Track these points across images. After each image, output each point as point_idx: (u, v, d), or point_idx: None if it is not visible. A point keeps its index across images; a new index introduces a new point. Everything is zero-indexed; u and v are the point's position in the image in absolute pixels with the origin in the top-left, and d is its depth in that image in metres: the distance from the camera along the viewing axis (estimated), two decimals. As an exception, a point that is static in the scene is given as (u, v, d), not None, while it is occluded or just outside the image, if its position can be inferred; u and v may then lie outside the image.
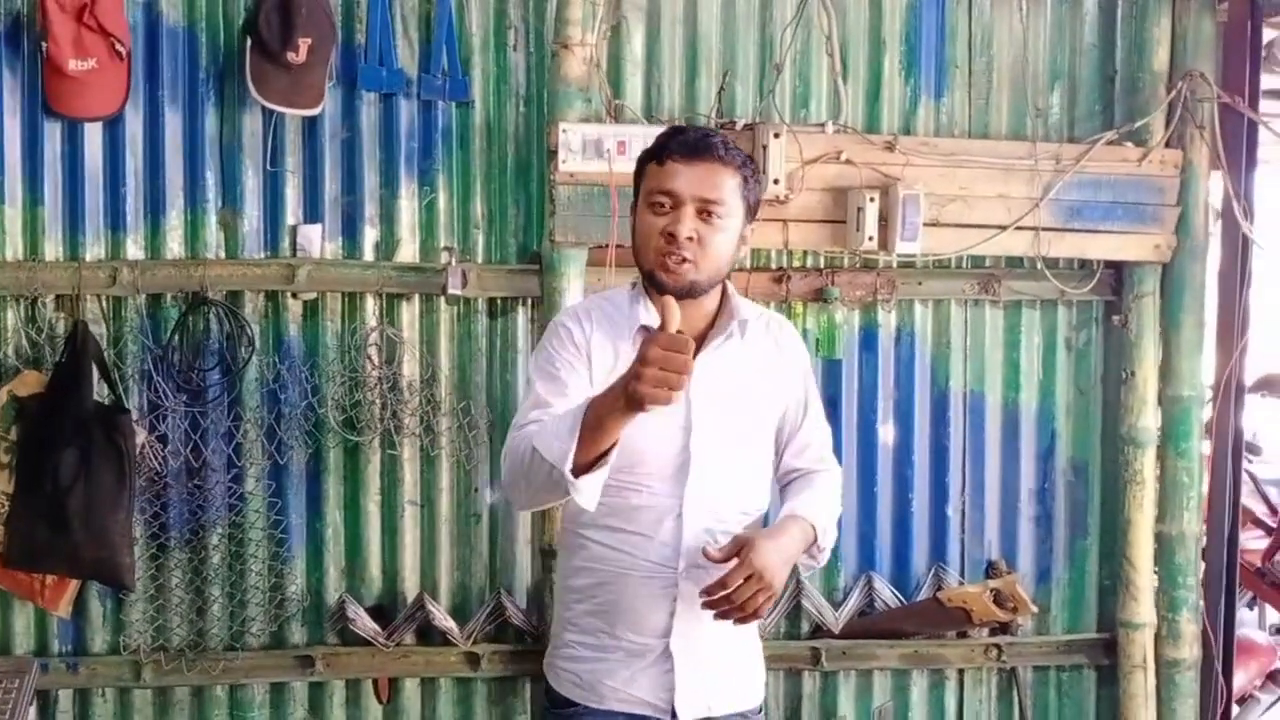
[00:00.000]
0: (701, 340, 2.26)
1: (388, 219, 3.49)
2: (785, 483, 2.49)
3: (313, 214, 3.46)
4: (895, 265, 3.66)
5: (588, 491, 1.97)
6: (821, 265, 3.66)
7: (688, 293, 2.19)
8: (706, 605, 2.10)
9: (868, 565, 3.73)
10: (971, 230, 3.56)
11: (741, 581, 2.06)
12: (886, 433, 3.74)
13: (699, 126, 2.33)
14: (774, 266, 3.59)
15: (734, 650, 2.34)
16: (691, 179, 2.17)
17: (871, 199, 3.41)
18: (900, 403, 3.75)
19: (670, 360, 1.81)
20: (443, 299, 3.50)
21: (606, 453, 1.96)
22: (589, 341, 2.26)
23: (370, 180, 3.47)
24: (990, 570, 3.81)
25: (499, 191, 3.54)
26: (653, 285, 2.22)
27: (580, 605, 2.32)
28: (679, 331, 1.82)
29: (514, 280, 3.52)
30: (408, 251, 3.51)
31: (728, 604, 2.07)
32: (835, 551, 3.25)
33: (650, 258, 2.20)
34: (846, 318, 3.69)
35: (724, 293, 2.31)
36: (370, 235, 3.49)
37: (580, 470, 1.96)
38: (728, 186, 2.19)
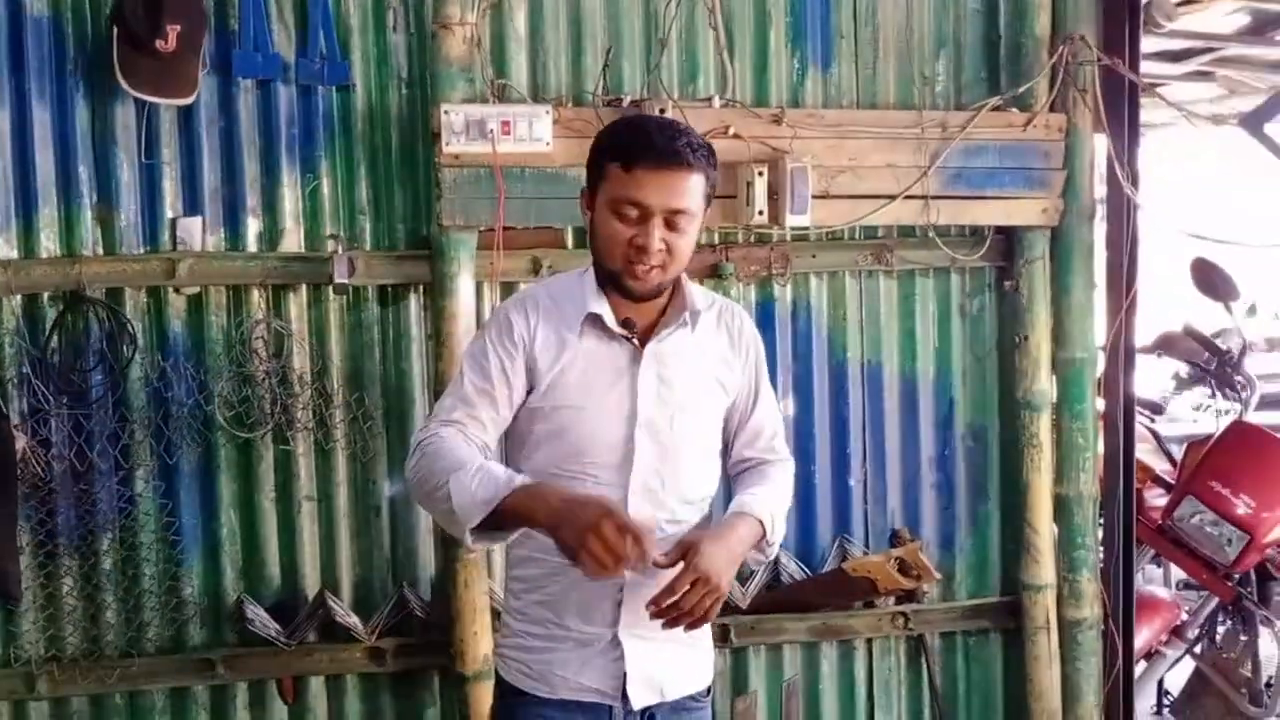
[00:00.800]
0: (652, 329, 2.28)
1: (270, 208, 3.46)
2: (736, 473, 2.48)
3: (192, 206, 3.41)
4: (788, 239, 3.67)
5: (479, 549, 2.03)
6: (715, 241, 3.67)
7: (654, 294, 2.23)
8: (655, 615, 2.09)
9: (770, 540, 3.73)
10: (862, 201, 3.59)
11: (688, 587, 2.06)
12: (787, 406, 3.74)
13: (664, 123, 2.23)
14: (666, 244, 3.57)
15: (683, 635, 2.26)
16: (661, 190, 2.15)
17: (760, 173, 3.43)
18: (799, 376, 3.78)
19: (617, 549, 1.90)
20: (330, 289, 3.47)
21: (512, 526, 2.07)
22: (532, 336, 2.25)
23: (250, 169, 3.44)
24: (894, 539, 3.84)
25: (385, 176, 3.51)
26: (615, 286, 2.23)
27: (529, 595, 2.32)
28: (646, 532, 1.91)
29: (403, 267, 3.50)
30: (292, 241, 3.48)
31: (676, 611, 2.07)
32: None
33: (617, 263, 2.20)
34: (743, 293, 3.69)
35: (676, 282, 2.32)
36: (253, 226, 3.46)
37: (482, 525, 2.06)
38: (694, 191, 2.18)
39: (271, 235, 3.47)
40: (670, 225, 2.16)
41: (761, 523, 2.26)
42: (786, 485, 2.43)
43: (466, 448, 2.14)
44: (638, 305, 2.22)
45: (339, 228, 3.49)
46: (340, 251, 3.44)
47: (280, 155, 3.45)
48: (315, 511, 3.53)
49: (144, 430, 3.37)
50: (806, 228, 3.56)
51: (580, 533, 1.95)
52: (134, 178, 3.36)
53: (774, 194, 3.45)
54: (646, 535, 1.96)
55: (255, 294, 3.45)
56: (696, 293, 2.33)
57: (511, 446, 2.31)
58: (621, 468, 2.25)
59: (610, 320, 2.21)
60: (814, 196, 3.47)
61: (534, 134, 3.34)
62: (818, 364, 3.79)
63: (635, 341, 2.23)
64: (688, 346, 2.31)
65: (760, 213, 3.45)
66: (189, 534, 3.46)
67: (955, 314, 3.86)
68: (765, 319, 3.72)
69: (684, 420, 2.30)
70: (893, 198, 3.60)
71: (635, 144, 2.17)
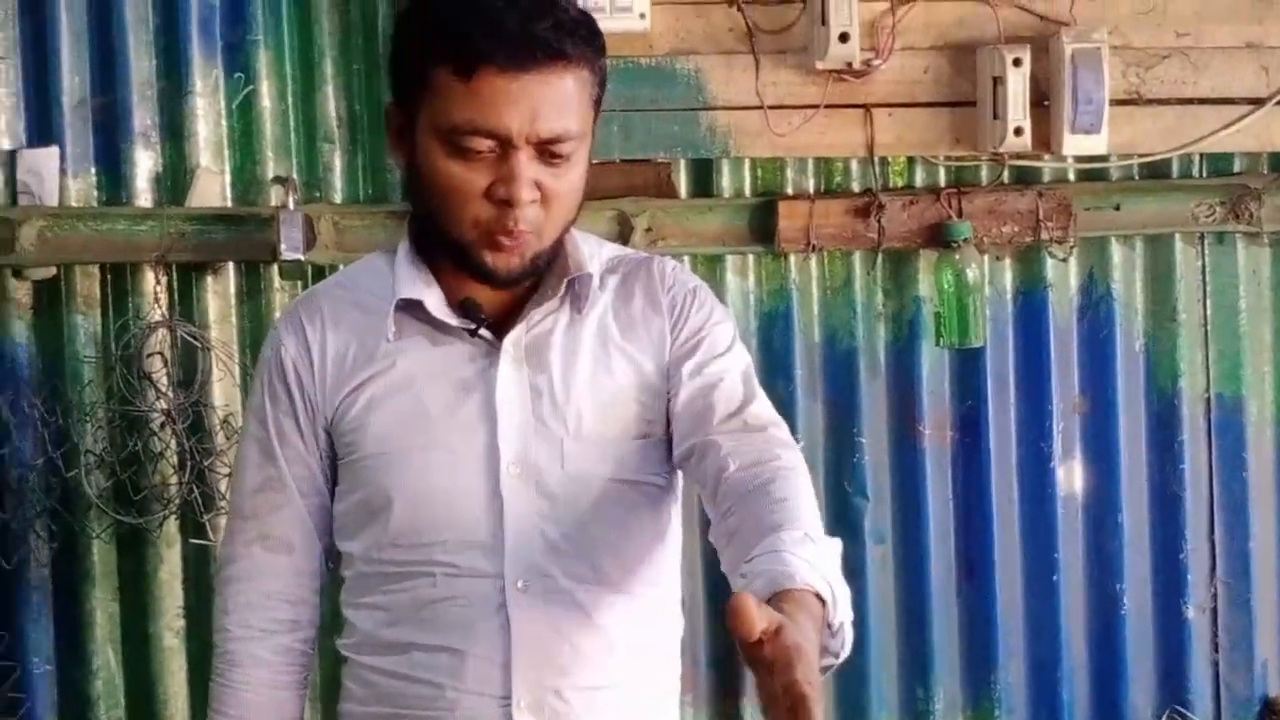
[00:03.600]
0: (514, 313, 1.92)
1: (173, 132, 2.90)
2: (713, 485, 1.87)
3: (43, 129, 2.89)
4: (1070, 178, 3.07)
5: None
6: (940, 182, 3.05)
7: (530, 274, 1.88)
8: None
9: (1045, 711, 3.12)
10: (1202, 109, 3.01)
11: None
12: (1069, 474, 3.17)
13: None
14: (854, 188, 2.99)
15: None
16: (525, 106, 1.76)
17: (1016, 61, 2.87)
18: (1093, 420, 3.15)
19: None
20: (275, 269, 2.91)
21: None
22: (316, 357, 1.92)
23: (140, 65, 2.89)
24: (1270, 714, 3.25)
25: (366, 76, 2.95)
26: (462, 265, 1.86)
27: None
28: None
29: (399, 231, 2.79)
30: (211, 189, 2.93)
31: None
32: (989, 694, 2.95)
33: (466, 231, 1.82)
34: (988, 273, 3.10)
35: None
36: (144, 162, 2.90)
37: None
38: (577, 99, 1.80)
39: (175, 179, 2.92)
40: (546, 157, 1.78)
41: (820, 597, 1.64)
42: (811, 508, 1.81)
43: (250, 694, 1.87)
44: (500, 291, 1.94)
45: (289, 166, 2.97)
46: (291, 206, 2.85)
47: (190, 39, 2.89)
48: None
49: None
50: (1104, 157, 3.00)
51: None
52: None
53: (1042, 99, 2.91)
54: None
55: (149, 279, 2.87)
56: (590, 249, 1.98)
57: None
58: (489, 546, 1.85)
59: (437, 306, 1.85)
60: (1114, 102, 2.91)
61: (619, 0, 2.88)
62: (1126, 401, 3.14)
63: (485, 333, 1.87)
64: (579, 332, 1.95)
65: (1018, 132, 2.87)
66: (36, 686, 2.88)
67: (1388, 309, 3.26)
68: (1030, 320, 3.13)
69: (584, 451, 1.90)
70: (1260, 103, 2.99)
71: (475, 31, 1.75)
